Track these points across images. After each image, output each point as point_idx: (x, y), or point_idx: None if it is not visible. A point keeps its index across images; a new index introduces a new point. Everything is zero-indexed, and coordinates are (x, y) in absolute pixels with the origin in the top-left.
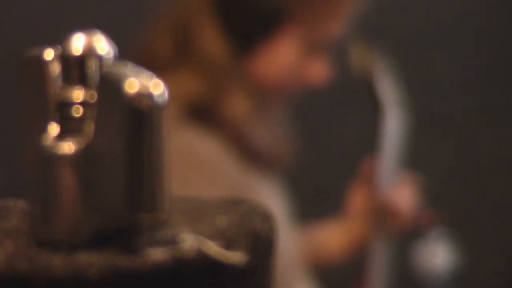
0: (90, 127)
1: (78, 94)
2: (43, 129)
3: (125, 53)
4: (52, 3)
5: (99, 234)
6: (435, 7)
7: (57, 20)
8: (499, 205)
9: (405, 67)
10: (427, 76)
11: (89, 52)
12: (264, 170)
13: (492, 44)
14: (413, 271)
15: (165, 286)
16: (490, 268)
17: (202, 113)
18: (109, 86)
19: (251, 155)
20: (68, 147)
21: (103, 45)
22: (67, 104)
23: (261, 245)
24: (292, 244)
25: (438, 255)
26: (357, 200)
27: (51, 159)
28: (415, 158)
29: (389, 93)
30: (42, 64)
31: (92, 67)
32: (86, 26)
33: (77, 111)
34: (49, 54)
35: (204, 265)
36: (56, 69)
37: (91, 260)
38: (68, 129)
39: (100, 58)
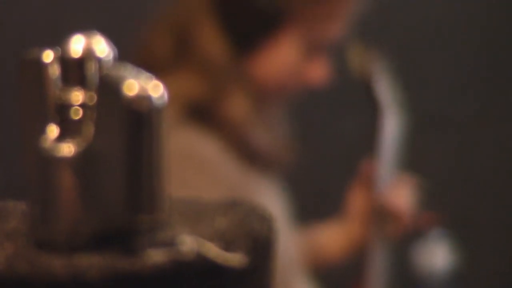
0: (89, 129)
1: (77, 96)
2: (42, 131)
3: (124, 54)
4: (52, 4)
5: (98, 236)
6: (435, 7)
7: (56, 21)
8: (498, 205)
9: (404, 67)
10: (427, 76)
11: (89, 54)
12: (263, 170)
13: (492, 44)
14: (413, 271)
15: None
16: (489, 269)
17: (202, 113)
18: (108, 88)
19: (250, 155)
20: (68, 149)
21: (102, 47)
22: (66, 106)
23: (261, 247)
24: (292, 245)
25: (437, 255)
26: (356, 201)
27: (51, 161)
28: (415, 158)
29: (388, 93)
30: (42, 66)
31: (92, 69)
32: (85, 27)
33: (77, 113)
34: (48, 56)
35: (204, 267)
36: (55, 71)
37: (91, 262)
38: (67, 131)
39: (99, 60)
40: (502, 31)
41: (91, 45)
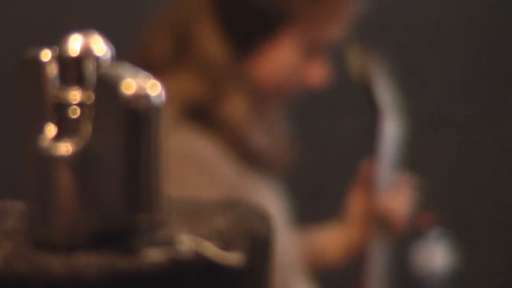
0: (87, 128)
1: (75, 95)
2: (41, 130)
3: (123, 53)
4: (52, 4)
5: (97, 235)
6: (435, 7)
7: (55, 21)
8: (498, 205)
9: (404, 67)
10: (427, 77)
11: (86, 53)
12: (262, 171)
13: (492, 44)
14: (412, 271)
15: (163, 287)
16: (489, 269)
17: (201, 113)
18: (106, 87)
19: (249, 156)
20: (66, 148)
21: (100, 46)
22: (64, 105)
23: (259, 246)
24: (291, 245)
25: (437, 255)
26: (356, 202)
27: (49, 160)
28: (415, 159)
29: (387, 95)
30: (40, 65)
31: (89, 68)
32: (85, 27)
33: (74, 112)
34: (46, 55)
35: (202, 266)
36: (53, 70)
37: (89, 261)
38: (66, 130)
39: (97, 59)
40: (502, 31)
41: (89, 44)
